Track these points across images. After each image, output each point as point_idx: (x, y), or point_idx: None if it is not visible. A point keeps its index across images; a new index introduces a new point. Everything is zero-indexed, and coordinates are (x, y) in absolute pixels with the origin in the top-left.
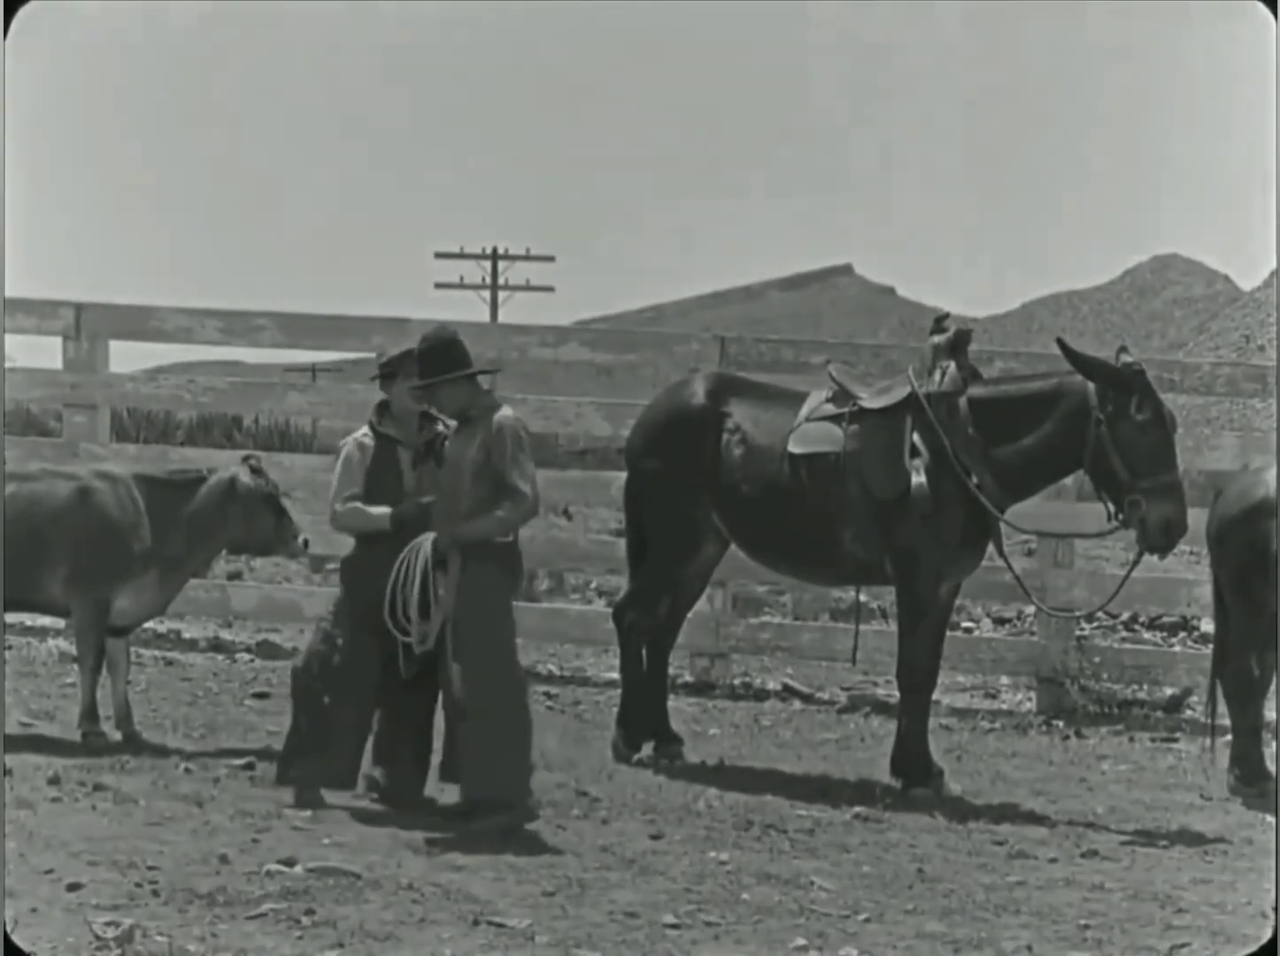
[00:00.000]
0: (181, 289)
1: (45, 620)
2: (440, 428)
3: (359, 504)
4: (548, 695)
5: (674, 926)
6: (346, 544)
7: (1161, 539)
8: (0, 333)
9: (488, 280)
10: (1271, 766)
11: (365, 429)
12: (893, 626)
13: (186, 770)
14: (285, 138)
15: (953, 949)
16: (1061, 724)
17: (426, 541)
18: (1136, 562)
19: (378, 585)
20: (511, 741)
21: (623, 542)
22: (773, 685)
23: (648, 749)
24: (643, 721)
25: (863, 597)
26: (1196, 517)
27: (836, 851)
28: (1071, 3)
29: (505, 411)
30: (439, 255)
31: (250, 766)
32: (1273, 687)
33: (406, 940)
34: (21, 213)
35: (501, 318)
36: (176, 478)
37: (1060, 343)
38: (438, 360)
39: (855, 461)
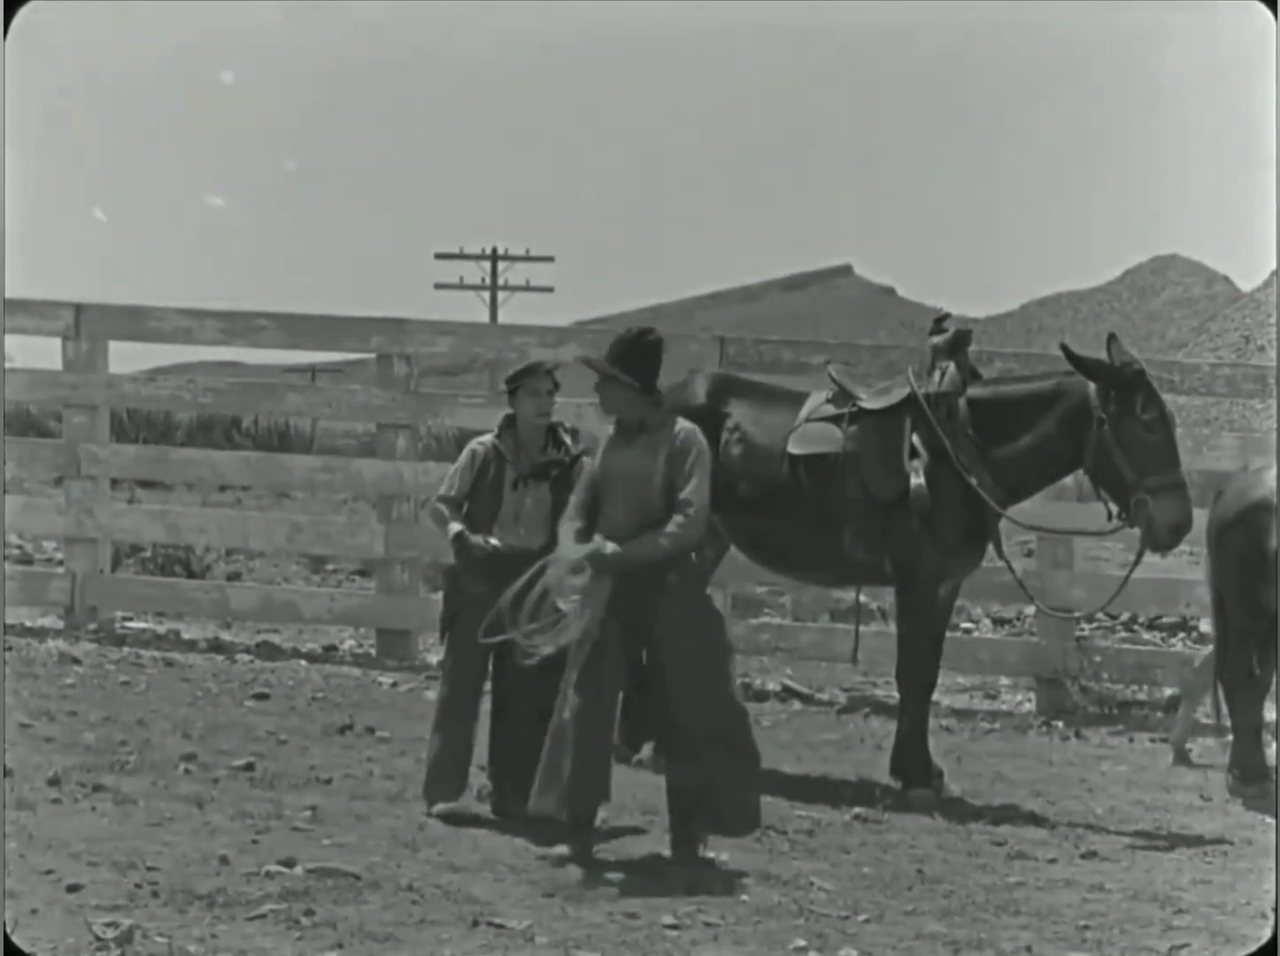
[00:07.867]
0: (181, 289)
1: (45, 620)
2: (563, 454)
3: (443, 507)
4: None
5: (674, 927)
6: (342, 545)
7: (1169, 537)
8: (0, 333)
9: (487, 281)
10: (1271, 766)
11: (490, 435)
12: (892, 627)
13: (186, 771)
14: (285, 138)
15: (952, 949)
16: (1061, 724)
17: (573, 553)
18: (1138, 562)
19: (469, 594)
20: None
21: None
22: (772, 686)
23: (647, 749)
24: (643, 722)
25: (862, 598)
26: (1197, 518)
27: (836, 852)
28: (1072, 3)
29: (685, 423)
30: (439, 256)
31: (250, 767)
32: (1273, 687)
33: (406, 941)
34: (22, 213)
35: (501, 318)
36: None
37: (1064, 348)
38: (628, 358)
39: (855, 462)
